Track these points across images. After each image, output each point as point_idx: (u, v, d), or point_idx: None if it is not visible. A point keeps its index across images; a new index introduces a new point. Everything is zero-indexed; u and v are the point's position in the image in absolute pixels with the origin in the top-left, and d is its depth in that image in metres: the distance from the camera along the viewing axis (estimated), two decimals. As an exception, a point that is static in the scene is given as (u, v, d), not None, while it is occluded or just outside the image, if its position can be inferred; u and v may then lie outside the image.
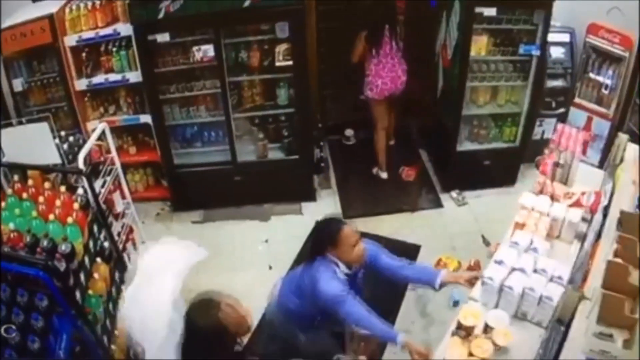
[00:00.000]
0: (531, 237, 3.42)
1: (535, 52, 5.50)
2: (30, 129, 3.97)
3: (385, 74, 5.84)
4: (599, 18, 5.51)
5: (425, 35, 6.37)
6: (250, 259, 5.55)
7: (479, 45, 5.53)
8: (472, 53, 5.53)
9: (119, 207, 4.37)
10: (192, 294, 5.25)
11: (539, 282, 3.14)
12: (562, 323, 2.66)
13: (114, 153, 4.37)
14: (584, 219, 3.55)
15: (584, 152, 3.98)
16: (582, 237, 3.49)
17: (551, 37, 5.55)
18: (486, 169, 6.08)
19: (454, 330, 3.13)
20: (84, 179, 3.79)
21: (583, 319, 2.43)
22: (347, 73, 6.27)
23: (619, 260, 2.41)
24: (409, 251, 5.45)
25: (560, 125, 4.10)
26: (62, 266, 3.24)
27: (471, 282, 3.50)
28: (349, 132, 6.99)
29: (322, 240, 3.54)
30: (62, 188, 3.72)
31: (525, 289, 3.11)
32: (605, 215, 3.11)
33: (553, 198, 3.72)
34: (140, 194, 6.05)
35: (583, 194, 3.65)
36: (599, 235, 3.00)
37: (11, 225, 3.33)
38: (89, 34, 5.34)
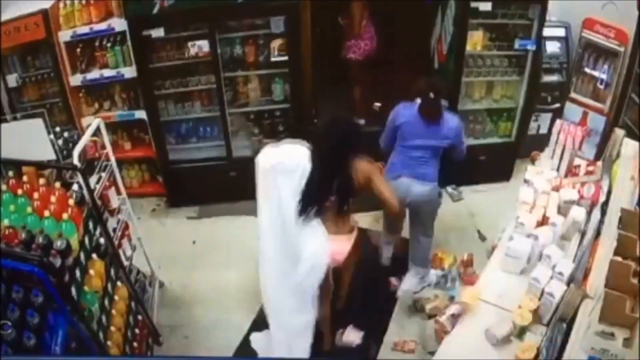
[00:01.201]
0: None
1: (531, 47, 5.50)
2: (24, 125, 3.95)
3: (366, 36, 6.40)
4: (594, 13, 5.51)
5: (421, 30, 6.37)
6: (246, 255, 5.53)
7: (475, 40, 5.53)
8: (468, 48, 5.52)
9: (114, 203, 4.35)
10: (188, 289, 5.31)
11: (543, 273, 3.16)
12: (564, 321, 2.67)
13: (109, 149, 4.34)
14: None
15: (579, 147, 4.00)
16: (581, 232, 3.51)
17: (546, 31, 5.56)
18: (482, 164, 6.08)
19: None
20: (79, 175, 3.77)
21: (585, 318, 2.44)
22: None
23: (621, 259, 2.41)
24: (406, 246, 5.46)
25: (558, 121, 4.11)
26: (57, 262, 3.23)
27: None
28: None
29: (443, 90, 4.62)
30: (57, 184, 3.70)
31: (530, 279, 3.18)
32: (603, 212, 3.12)
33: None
34: (135, 190, 6.03)
35: (583, 184, 3.66)
36: (597, 232, 3.01)
37: (6, 222, 3.32)
38: (84, 30, 5.34)
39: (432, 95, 4.41)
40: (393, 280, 5.15)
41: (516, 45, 5.54)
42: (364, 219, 5.87)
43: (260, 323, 4.87)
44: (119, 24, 5.29)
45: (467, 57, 5.60)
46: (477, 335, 3.16)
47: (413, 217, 4.88)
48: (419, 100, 4.46)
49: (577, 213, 3.50)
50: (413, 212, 4.82)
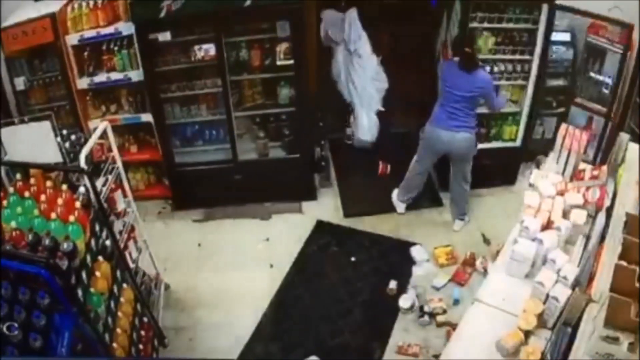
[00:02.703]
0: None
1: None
2: (32, 128, 3.97)
3: None
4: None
5: (426, 35, 6.39)
6: (251, 258, 5.56)
7: (480, 44, 5.55)
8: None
9: (120, 205, 4.37)
10: (193, 291, 5.33)
11: (548, 277, 3.16)
12: (568, 325, 2.67)
13: (115, 152, 4.36)
14: (588, 215, 3.57)
15: (584, 151, 4.00)
16: (586, 237, 3.50)
17: (552, 36, 5.55)
18: (486, 168, 6.08)
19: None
20: (86, 178, 3.79)
21: (590, 322, 2.43)
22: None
23: (626, 263, 2.41)
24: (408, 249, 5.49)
25: (563, 125, 4.10)
26: (63, 264, 3.25)
27: None
28: (349, 130, 6.97)
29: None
30: (64, 187, 3.72)
31: (535, 283, 3.17)
32: (608, 216, 3.11)
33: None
34: (141, 193, 6.05)
35: (588, 189, 3.65)
36: (602, 237, 3.00)
37: (13, 224, 3.34)
38: (91, 33, 5.35)
39: (467, 49, 5.18)
40: (391, 284, 5.16)
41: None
42: (367, 223, 5.90)
43: (264, 328, 4.90)
44: (126, 27, 5.31)
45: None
46: (481, 338, 3.17)
47: (452, 165, 5.65)
48: (455, 58, 5.29)
49: (578, 216, 3.51)
50: (451, 160, 5.61)
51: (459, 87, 5.21)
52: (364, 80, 6.34)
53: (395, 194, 6.04)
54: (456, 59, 5.25)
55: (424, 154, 5.66)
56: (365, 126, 6.51)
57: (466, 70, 5.17)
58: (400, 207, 6.03)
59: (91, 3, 5.30)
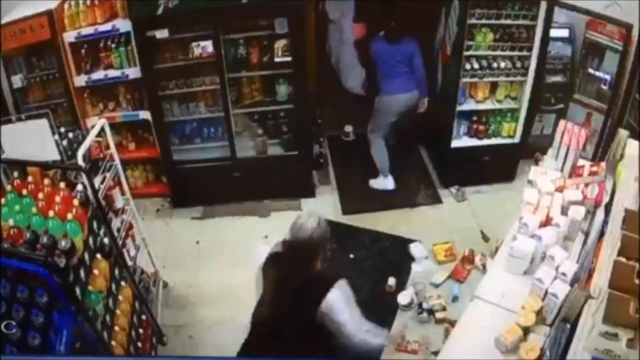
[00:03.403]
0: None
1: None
2: (29, 126, 3.96)
3: None
4: (598, 13, 5.49)
5: (424, 31, 6.37)
6: (250, 255, 5.55)
7: (479, 41, 5.54)
8: (473, 49, 5.57)
9: (118, 203, 4.37)
10: (192, 289, 5.32)
11: (547, 274, 3.16)
12: (567, 322, 2.66)
13: (113, 149, 4.36)
14: (587, 211, 3.56)
15: (583, 147, 3.99)
16: (585, 233, 3.50)
17: (550, 32, 5.54)
18: (485, 165, 6.08)
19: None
20: (84, 176, 3.78)
21: (589, 318, 2.43)
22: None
23: (625, 260, 2.40)
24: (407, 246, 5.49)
25: (562, 122, 4.09)
26: (62, 262, 3.24)
27: None
28: (348, 128, 6.98)
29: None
30: (62, 184, 3.71)
31: (534, 280, 3.16)
32: (607, 213, 3.11)
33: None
34: (139, 190, 6.05)
35: (587, 185, 3.65)
36: (601, 233, 3.00)
37: (11, 222, 3.32)
38: (88, 30, 5.34)
39: (392, 24, 5.72)
40: (390, 281, 5.16)
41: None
42: (366, 220, 5.91)
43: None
44: (123, 24, 5.29)
45: (471, 57, 5.63)
46: (480, 335, 3.16)
47: (396, 122, 6.10)
48: (382, 32, 5.80)
49: (577, 212, 3.50)
50: (399, 118, 6.04)
51: (396, 56, 5.73)
52: (341, 48, 6.77)
53: (371, 180, 6.33)
54: (382, 33, 5.80)
55: (381, 121, 6.06)
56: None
57: (394, 42, 5.71)
58: (389, 184, 6.26)
59: (88, 0, 5.28)
